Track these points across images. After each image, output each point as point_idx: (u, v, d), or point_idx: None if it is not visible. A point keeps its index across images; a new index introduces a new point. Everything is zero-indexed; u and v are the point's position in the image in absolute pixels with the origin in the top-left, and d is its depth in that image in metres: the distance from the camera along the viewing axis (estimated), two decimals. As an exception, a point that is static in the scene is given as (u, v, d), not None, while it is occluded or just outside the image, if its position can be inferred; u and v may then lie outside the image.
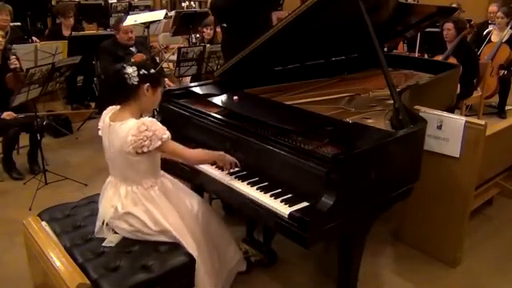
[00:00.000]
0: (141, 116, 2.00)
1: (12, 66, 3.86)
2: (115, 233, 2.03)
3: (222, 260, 2.19)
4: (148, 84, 1.95)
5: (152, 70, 1.98)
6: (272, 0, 3.69)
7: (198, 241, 2.02)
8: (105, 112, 2.06)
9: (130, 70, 1.92)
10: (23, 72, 3.92)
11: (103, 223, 2.03)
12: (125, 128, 1.89)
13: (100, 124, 2.06)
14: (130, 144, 1.86)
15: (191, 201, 2.17)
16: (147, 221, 1.96)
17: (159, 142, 1.87)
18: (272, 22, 3.42)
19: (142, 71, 1.93)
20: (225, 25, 3.49)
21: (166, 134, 1.91)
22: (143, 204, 1.99)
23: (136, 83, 1.92)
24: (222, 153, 2.08)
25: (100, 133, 2.06)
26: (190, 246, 1.96)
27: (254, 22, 3.18)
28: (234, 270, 2.29)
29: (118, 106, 2.02)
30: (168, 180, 2.13)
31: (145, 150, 1.87)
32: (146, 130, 1.85)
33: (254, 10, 3.28)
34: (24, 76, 3.46)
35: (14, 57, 3.93)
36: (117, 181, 2.04)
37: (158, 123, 1.91)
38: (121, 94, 1.96)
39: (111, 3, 7.03)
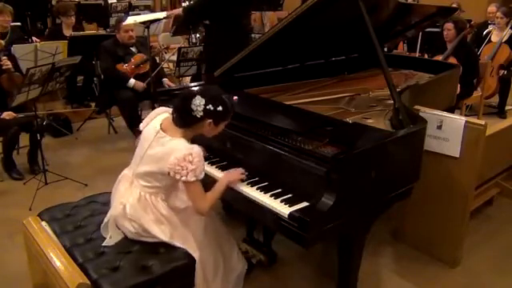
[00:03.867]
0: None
1: (4, 67, 3.86)
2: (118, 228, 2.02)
3: (227, 263, 2.18)
4: (211, 120, 1.90)
5: (220, 108, 1.89)
6: None
7: (200, 242, 2.01)
8: (156, 111, 2.04)
9: (198, 102, 1.86)
10: (16, 72, 3.93)
11: (110, 219, 2.02)
12: (173, 145, 1.86)
13: (146, 120, 2.04)
14: (169, 164, 1.83)
15: None
16: (153, 230, 1.95)
17: (193, 179, 1.84)
18: (251, 20, 3.60)
19: (209, 106, 1.87)
20: (207, 22, 3.58)
21: (202, 175, 1.87)
22: (154, 213, 1.97)
23: (199, 117, 1.88)
24: (226, 179, 2.03)
25: (141, 127, 2.04)
26: (192, 248, 1.95)
27: (234, 19, 3.25)
28: (241, 274, 2.27)
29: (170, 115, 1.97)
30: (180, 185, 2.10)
31: (177, 177, 1.84)
32: (191, 162, 1.82)
33: (230, 7, 3.39)
34: (19, 76, 3.46)
35: (5, 58, 3.91)
36: (133, 178, 2.01)
37: (202, 160, 1.87)
38: (182, 119, 1.91)
39: (111, 3, 7.02)
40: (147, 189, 1.98)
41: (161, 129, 1.94)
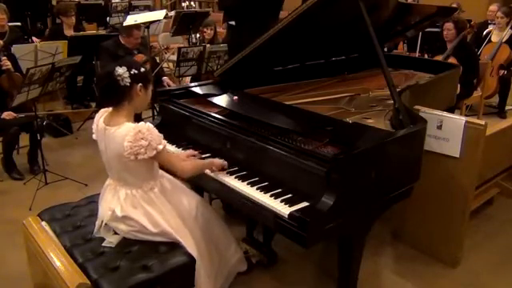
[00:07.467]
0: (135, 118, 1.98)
1: (4, 67, 3.86)
2: (115, 233, 2.03)
3: (222, 259, 2.20)
4: (141, 84, 1.91)
5: (142, 69, 1.92)
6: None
7: (197, 241, 2.02)
8: (98, 115, 2.03)
9: (121, 71, 1.86)
10: (16, 72, 3.93)
11: (101, 224, 2.03)
12: (121, 133, 1.86)
13: (94, 127, 2.03)
14: (126, 150, 1.83)
15: (191, 201, 2.17)
16: (146, 223, 1.96)
17: (154, 152, 1.85)
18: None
19: (133, 71, 1.88)
20: (233, 23, 3.48)
21: (162, 144, 1.88)
22: (142, 207, 1.98)
23: (128, 84, 1.87)
24: (209, 161, 2.13)
25: (94, 136, 2.04)
26: (190, 247, 1.96)
27: (263, 21, 3.17)
28: (234, 269, 2.29)
29: (111, 109, 1.97)
30: (167, 180, 2.12)
31: (139, 157, 1.84)
32: (143, 138, 1.82)
33: (261, 9, 3.28)
34: (19, 76, 3.44)
35: (5, 58, 3.91)
36: (116, 184, 2.03)
37: (155, 131, 1.87)
38: (114, 96, 1.91)
39: (111, 3, 7.01)
40: (130, 186, 1.99)
41: (105, 125, 1.94)
